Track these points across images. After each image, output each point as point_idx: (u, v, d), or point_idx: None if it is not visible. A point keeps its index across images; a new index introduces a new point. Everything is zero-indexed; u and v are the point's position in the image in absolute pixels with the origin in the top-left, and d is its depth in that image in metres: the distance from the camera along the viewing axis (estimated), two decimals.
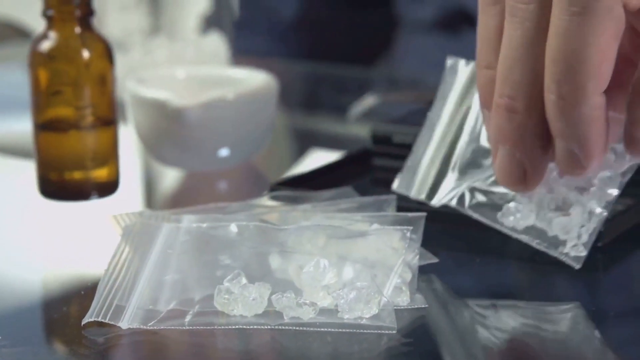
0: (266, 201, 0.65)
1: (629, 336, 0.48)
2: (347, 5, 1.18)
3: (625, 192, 0.52)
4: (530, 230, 0.52)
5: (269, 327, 0.49)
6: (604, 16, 0.42)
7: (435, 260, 0.54)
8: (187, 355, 0.48)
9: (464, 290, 0.53)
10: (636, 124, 0.46)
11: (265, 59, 1.12)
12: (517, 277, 0.54)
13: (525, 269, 0.54)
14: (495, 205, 0.54)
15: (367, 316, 0.49)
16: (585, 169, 0.45)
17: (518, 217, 0.52)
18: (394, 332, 0.48)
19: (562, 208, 0.51)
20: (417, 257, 0.52)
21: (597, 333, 0.49)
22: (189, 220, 0.56)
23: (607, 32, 0.42)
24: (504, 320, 0.50)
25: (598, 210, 0.51)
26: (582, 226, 0.51)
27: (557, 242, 0.52)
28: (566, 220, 0.51)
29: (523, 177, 0.47)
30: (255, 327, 0.49)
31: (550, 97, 0.44)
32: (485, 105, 0.48)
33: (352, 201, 0.60)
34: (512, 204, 0.52)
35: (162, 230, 0.55)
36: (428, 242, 0.54)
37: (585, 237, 0.51)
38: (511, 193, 0.52)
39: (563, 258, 0.51)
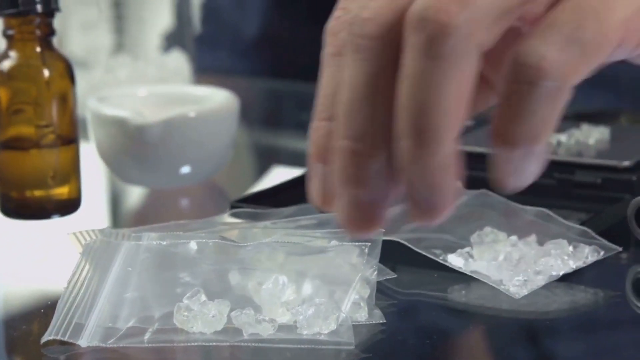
0: (227, 218, 0.65)
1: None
2: (309, 22, 1.19)
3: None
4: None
5: (228, 343, 0.49)
6: (460, 60, 0.40)
7: (393, 275, 0.55)
8: None
9: (422, 305, 0.54)
10: (500, 166, 0.43)
11: (228, 76, 1.12)
12: (476, 290, 0.55)
13: (483, 283, 0.54)
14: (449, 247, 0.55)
15: (326, 332, 0.49)
16: (436, 217, 0.43)
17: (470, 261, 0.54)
18: (352, 347, 0.48)
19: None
20: (375, 272, 0.52)
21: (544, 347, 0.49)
22: (149, 238, 0.56)
23: (462, 77, 0.40)
24: (462, 334, 0.51)
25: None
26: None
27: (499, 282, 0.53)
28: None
29: (369, 221, 0.44)
30: (214, 343, 0.49)
31: (401, 145, 0.41)
32: (319, 159, 0.45)
33: (312, 218, 0.60)
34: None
35: (122, 248, 0.55)
36: (386, 258, 0.55)
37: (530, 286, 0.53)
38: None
39: (502, 289, 0.53)
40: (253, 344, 0.49)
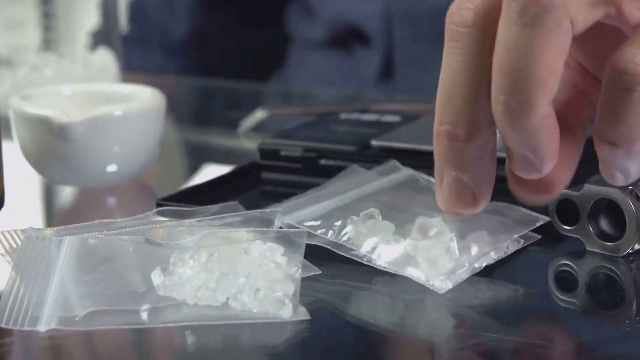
0: (152, 217, 0.64)
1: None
2: (238, 23, 1.19)
3: None
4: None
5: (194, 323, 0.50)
6: (553, 29, 0.42)
7: (318, 272, 0.55)
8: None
9: (347, 300, 0.54)
10: (605, 162, 0.47)
11: (157, 74, 1.11)
12: (400, 284, 0.55)
13: (407, 278, 0.55)
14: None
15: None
16: (542, 172, 0.46)
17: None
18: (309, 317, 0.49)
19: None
20: (300, 270, 0.53)
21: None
22: (72, 237, 0.56)
23: (555, 46, 0.42)
24: (387, 328, 0.51)
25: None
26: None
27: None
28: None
29: (472, 200, 0.48)
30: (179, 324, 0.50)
31: (497, 109, 0.44)
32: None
33: (237, 215, 0.60)
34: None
35: (44, 247, 0.55)
36: (311, 255, 0.55)
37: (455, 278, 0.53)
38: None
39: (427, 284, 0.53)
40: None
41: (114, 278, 0.53)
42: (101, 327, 0.50)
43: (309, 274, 0.54)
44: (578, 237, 0.59)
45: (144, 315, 0.51)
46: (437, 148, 0.47)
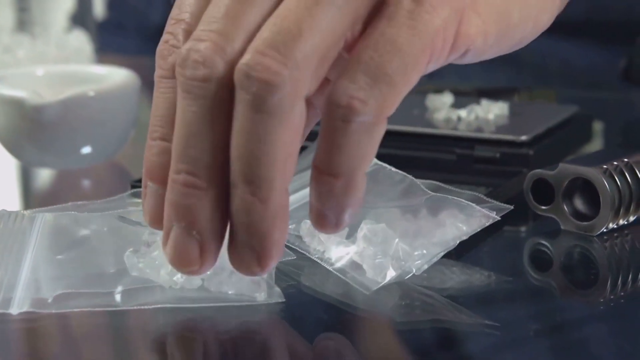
0: (127, 199, 0.64)
1: None
2: None
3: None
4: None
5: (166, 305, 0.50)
6: (287, 114, 0.41)
7: (292, 257, 0.55)
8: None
9: (322, 284, 0.54)
10: (320, 198, 0.44)
11: (134, 57, 1.11)
12: None
13: None
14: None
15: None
16: (263, 268, 0.43)
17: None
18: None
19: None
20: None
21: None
22: (45, 215, 0.55)
23: (290, 129, 0.42)
24: (361, 309, 0.51)
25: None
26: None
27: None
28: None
29: (198, 255, 0.44)
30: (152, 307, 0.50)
31: (236, 193, 0.42)
32: (152, 178, 0.45)
33: None
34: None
35: (16, 228, 0.54)
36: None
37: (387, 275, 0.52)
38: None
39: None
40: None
41: (87, 259, 0.53)
42: (74, 309, 0.50)
43: (284, 259, 0.54)
44: (553, 216, 0.59)
45: (118, 298, 0.51)
46: (170, 197, 0.44)
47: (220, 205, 0.43)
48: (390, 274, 0.51)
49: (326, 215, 0.44)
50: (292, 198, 0.58)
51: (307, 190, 0.59)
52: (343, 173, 0.43)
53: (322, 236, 0.54)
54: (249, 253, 0.43)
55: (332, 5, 0.42)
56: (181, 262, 0.44)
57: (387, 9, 0.43)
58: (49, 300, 0.50)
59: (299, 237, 0.55)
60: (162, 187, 0.45)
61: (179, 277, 0.51)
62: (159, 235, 0.52)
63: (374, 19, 0.43)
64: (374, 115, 0.42)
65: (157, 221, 0.45)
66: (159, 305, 0.50)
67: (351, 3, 0.42)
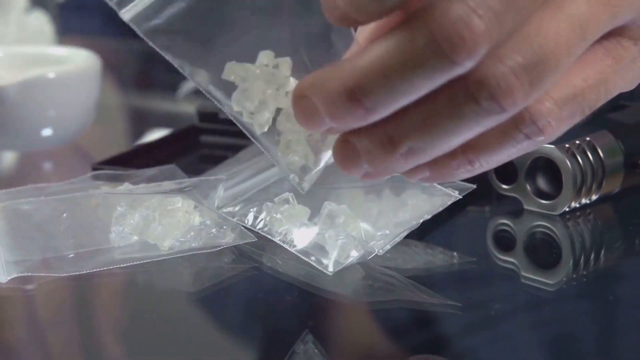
0: (88, 181, 0.63)
1: None
2: None
3: None
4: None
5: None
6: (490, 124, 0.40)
7: (253, 239, 0.54)
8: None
9: (282, 264, 0.54)
10: None
11: (96, 38, 1.10)
12: None
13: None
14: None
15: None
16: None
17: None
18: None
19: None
20: (233, 237, 0.52)
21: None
22: (4, 203, 0.55)
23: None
24: (325, 291, 0.51)
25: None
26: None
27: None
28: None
29: None
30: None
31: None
32: None
33: (178, 182, 0.59)
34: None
35: None
36: None
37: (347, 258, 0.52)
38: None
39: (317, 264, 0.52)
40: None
41: (46, 243, 0.52)
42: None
43: (245, 241, 0.54)
44: (516, 196, 0.59)
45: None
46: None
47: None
48: (353, 254, 0.51)
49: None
50: (251, 183, 0.58)
51: (265, 175, 0.59)
52: None
53: (285, 218, 0.54)
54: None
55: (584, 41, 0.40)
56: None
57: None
58: (4, 282, 0.50)
59: (262, 220, 0.55)
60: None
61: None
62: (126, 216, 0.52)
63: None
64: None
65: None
66: (121, 265, 0.52)
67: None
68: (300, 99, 0.39)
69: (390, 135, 0.39)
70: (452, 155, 0.41)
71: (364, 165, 0.41)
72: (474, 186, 0.56)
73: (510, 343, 0.47)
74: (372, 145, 0.40)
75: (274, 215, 0.54)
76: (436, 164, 0.41)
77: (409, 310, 0.49)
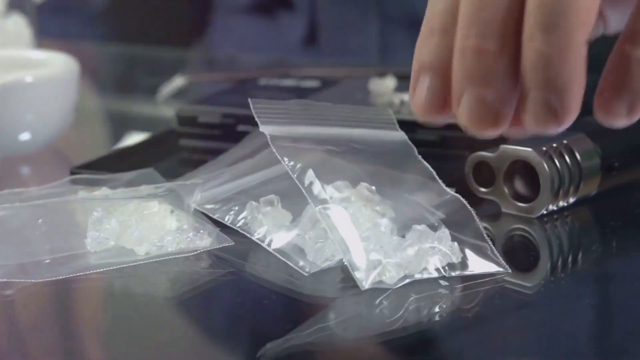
0: (65, 186, 0.63)
1: None
2: None
3: None
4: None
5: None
6: None
7: (230, 243, 0.54)
8: None
9: (262, 269, 0.54)
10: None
11: (76, 42, 1.09)
12: None
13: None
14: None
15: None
16: (561, 124, 0.43)
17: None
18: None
19: None
20: (210, 241, 0.52)
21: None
22: None
23: None
24: (302, 296, 0.51)
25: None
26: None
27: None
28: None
29: (494, 120, 0.45)
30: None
31: (532, 46, 0.42)
32: (428, 69, 0.46)
33: (157, 187, 0.59)
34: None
35: None
36: (224, 226, 0.55)
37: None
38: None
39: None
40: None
41: (21, 249, 0.52)
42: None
43: (222, 245, 0.54)
44: (494, 199, 0.59)
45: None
46: (460, 65, 0.44)
47: (513, 67, 0.43)
48: (331, 257, 0.51)
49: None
50: (231, 185, 0.58)
51: (246, 179, 0.59)
52: None
53: (265, 219, 0.54)
54: (545, 109, 0.42)
55: None
56: (478, 126, 0.44)
57: None
58: None
59: (243, 219, 0.55)
60: (439, 78, 0.45)
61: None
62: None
63: None
64: None
65: (434, 112, 0.45)
66: (103, 269, 0.52)
67: None
68: None
69: None
70: None
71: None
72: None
73: (489, 345, 0.47)
74: None
75: (256, 215, 0.54)
76: None
77: (386, 312, 0.49)
